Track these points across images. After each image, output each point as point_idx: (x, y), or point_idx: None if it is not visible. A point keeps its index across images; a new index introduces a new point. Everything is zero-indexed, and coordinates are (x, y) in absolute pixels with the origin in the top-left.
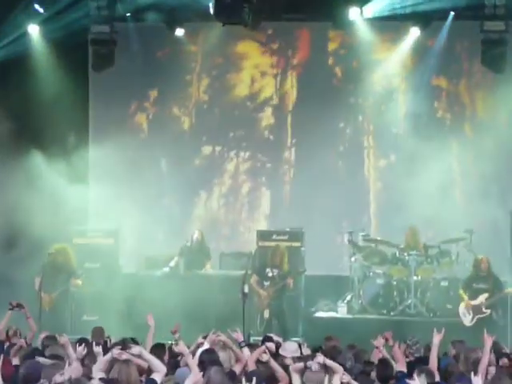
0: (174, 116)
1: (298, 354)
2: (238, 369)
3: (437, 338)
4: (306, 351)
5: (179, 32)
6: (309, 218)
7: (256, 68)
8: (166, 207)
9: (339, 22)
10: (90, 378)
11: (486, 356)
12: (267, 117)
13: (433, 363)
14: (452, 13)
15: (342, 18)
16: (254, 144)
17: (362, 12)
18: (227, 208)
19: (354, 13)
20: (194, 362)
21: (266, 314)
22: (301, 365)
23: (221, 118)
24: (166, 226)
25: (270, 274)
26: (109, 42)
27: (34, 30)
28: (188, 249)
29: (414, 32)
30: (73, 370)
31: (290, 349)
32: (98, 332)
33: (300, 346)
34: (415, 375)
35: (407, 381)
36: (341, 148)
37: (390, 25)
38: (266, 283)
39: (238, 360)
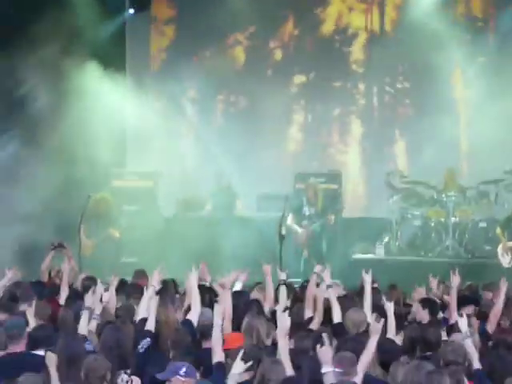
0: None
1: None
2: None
3: (455, 280)
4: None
5: None
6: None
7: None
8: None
9: None
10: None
11: (499, 302)
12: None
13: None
14: None
15: None
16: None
17: None
18: None
19: None
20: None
21: (305, 253)
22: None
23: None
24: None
25: (308, 213)
26: None
27: None
28: (216, 193)
29: None
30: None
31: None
32: (140, 274)
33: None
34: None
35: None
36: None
37: None
38: (304, 222)
39: (267, 299)
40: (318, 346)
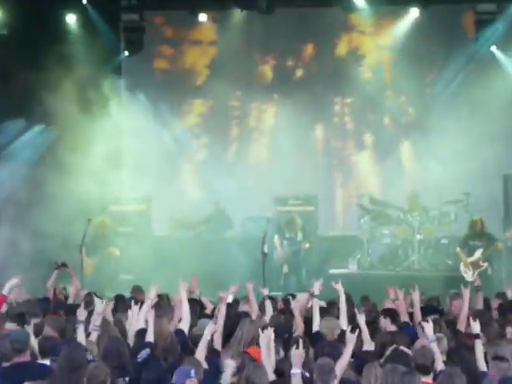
0: None
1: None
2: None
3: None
4: (321, 304)
5: (202, 17)
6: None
7: None
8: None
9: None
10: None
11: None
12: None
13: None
14: None
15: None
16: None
17: None
18: None
19: None
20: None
21: (286, 269)
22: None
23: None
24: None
25: (288, 236)
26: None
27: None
28: (212, 216)
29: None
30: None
31: (302, 300)
32: (137, 290)
33: (311, 294)
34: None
35: (423, 323)
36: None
37: None
38: (285, 242)
39: (253, 311)
40: (293, 349)
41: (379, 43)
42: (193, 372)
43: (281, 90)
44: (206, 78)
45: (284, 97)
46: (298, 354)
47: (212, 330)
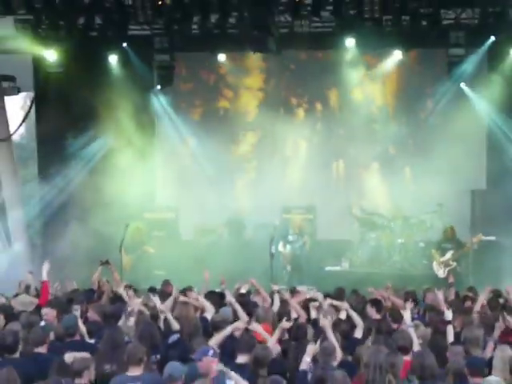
0: None
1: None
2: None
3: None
4: (318, 295)
5: (221, 57)
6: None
7: None
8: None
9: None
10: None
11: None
12: None
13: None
14: None
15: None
16: None
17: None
18: None
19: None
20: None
21: (289, 268)
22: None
23: None
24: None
25: (291, 239)
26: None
27: (113, 59)
28: (231, 221)
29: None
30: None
31: (301, 292)
32: (166, 283)
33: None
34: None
35: (402, 312)
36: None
37: None
38: (288, 246)
39: (264, 301)
40: (310, 343)
41: (375, 82)
42: (211, 352)
43: (310, 127)
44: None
45: (311, 133)
46: (312, 348)
47: (234, 328)
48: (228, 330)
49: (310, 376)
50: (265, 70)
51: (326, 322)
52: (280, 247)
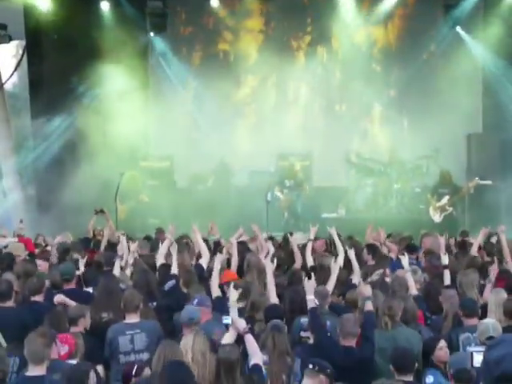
0: None
1: (305, 242)
2: (262, 255)
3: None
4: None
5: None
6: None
7: None
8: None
9: None
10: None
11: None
12: None
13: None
14: None
15: None
16: None
17: None
18: None
19: None
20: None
21: (286, 215)
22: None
23: None
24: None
25: (288, 184)
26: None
27: (105, 6)
28: (217, 169)
29: None
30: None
31: (298, 237)
32: (160, 231)
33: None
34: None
35: (400, 256)
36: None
37: None
38: (285, 191)
39: (262, 248)
40: (306, 279)
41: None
42: (195, 301)
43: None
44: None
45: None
46: (310, 284)
47: (221, 260)
48: (217, 266)
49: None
50: (265, 13)
51: (332, 263)
52: (277, 193)
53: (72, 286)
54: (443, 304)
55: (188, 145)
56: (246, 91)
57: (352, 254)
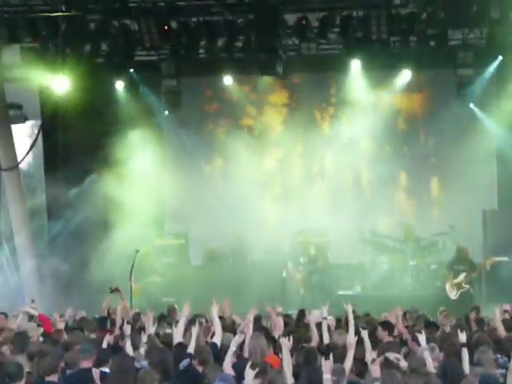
0: None
1: (321, 320)
2: (276, 332)
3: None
4: (331, 320)
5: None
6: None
7: None
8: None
9: None
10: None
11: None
12: None
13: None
14: None
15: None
16: None
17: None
18: None
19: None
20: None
21: (302, 291)
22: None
23: None
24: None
25: (302, 261)
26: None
27: (120, 86)
28: (233, 246)
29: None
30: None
31: (315, 315)
32: (172, 309)
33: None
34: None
35: (417, 334)
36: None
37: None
38: (300, 268)
39: (276, 326)
40: (323, 359)
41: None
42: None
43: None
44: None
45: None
46: (327, 363)
47: (237, 343)
48: (232, 347)
49: None
50: (288, 87)
51: (351, 341)
52: (292, 270)
53: (89, 364)
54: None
55: (204, 220)
56: (272, 164)
57: (365, 333)
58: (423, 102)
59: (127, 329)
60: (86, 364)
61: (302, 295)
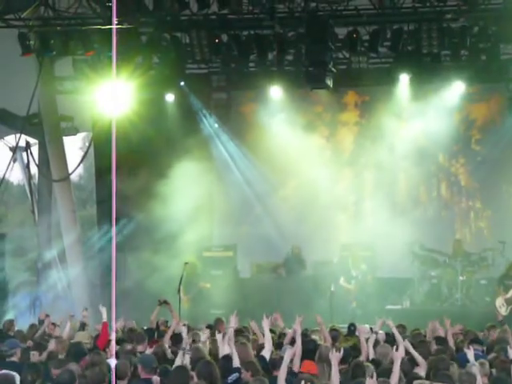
0: None
1: (370, 335)
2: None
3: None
4: (382, 335)
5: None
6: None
7: None
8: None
9: None
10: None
11: None
12: None
13: None
14: None
15: None
16: None
17: None
18: None
19: None
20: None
21: (354, 304)
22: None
23: None
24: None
25: (354, 274)
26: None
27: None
28: (289, 260)
29: None
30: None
31: (364, 330)
32: (219, 321)
33: (371, 329)
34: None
35: (465, 349)
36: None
37: None
38: (352, 281)
39: (325, 339)
40: (368, 379)
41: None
42: None
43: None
44: None
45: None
46: (372, 382)
47: (290, 355)
48: (287, 359)
49: None
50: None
51: (398, 356)
52: (343, 283)
53: (151, 375)
54: None
55: (252, 233)
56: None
57: (409, 344)
58: (482, 112)
59: (186, 342)
60: (146, 376)
61: (353, 308)
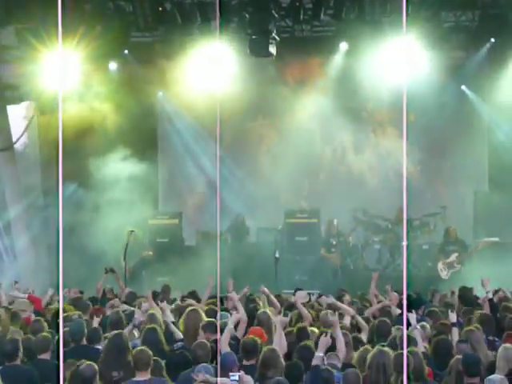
0: None
1: (307, 300)
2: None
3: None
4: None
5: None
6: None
7: None
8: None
9: None
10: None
11: None
12: None
13: None
14: None
15: None
16: None
17: None
18: None
19: None
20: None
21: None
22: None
23: None
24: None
25: (334, 243)
26: None
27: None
28: (234, 227)
29: None
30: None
31: (300, 296)
32: (167, 288)
33: (309, 294)
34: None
35: (408, 314)
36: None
37: None
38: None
39: (273, 305)
40: (323, 335)
41: None
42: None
43: None
44: None
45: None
46: (324, 341)
47: (235, 320)
48: (230, 326)
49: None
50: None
51: (335, 319)
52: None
53: (82, 342)
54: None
55: (196, 201)
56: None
57: (358, 316)
58: None
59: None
60: (75, 344)
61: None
